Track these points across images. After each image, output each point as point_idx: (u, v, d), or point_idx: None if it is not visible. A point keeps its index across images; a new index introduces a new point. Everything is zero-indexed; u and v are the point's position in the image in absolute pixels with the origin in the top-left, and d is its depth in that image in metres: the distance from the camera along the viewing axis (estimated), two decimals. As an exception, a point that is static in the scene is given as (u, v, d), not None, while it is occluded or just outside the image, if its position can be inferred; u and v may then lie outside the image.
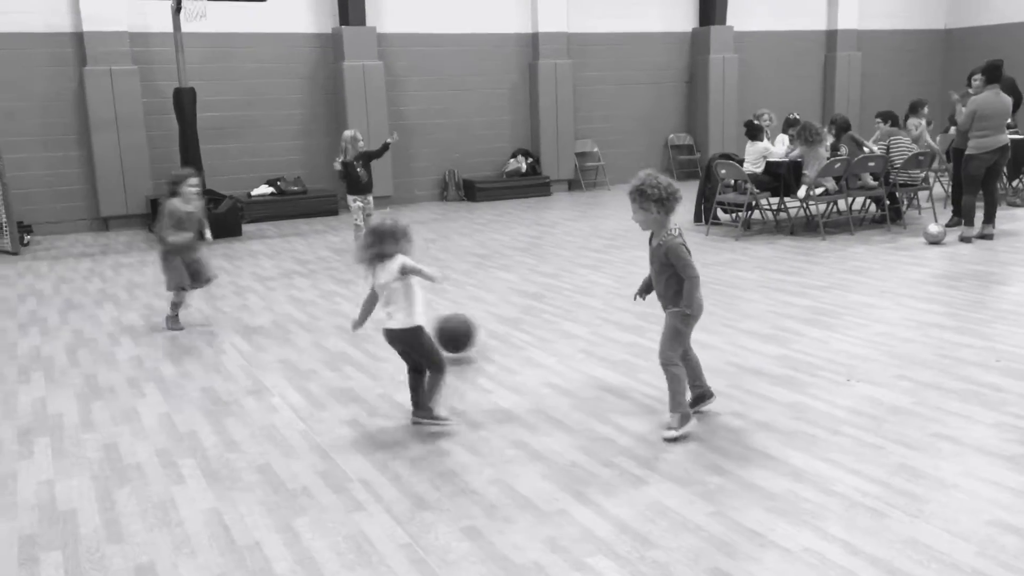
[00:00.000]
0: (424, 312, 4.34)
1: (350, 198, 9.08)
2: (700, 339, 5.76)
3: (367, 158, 9.11)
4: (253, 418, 4.69)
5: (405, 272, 4.18)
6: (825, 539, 3.20)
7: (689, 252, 4.14)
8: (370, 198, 9.14)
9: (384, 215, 4.39)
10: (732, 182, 10.04)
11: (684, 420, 4.21)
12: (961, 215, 9.22)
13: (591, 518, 3.43)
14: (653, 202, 4.09)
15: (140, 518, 3.58)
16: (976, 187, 8.94)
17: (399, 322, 4.26)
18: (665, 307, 4.25)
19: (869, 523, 3.30)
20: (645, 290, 4.44)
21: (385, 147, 9.31)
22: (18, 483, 3.97)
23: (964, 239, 8.89)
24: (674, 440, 4.13)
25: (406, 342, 4.35)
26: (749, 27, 16.05)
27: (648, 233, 4.28)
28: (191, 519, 3.55)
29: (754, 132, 10.14)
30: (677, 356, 4.22)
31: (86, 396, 5.15)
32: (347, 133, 9.15)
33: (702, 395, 4.47)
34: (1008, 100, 8.85)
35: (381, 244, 4.18)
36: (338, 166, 9.03)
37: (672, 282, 4.16)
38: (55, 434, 4.55)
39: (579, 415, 4.56)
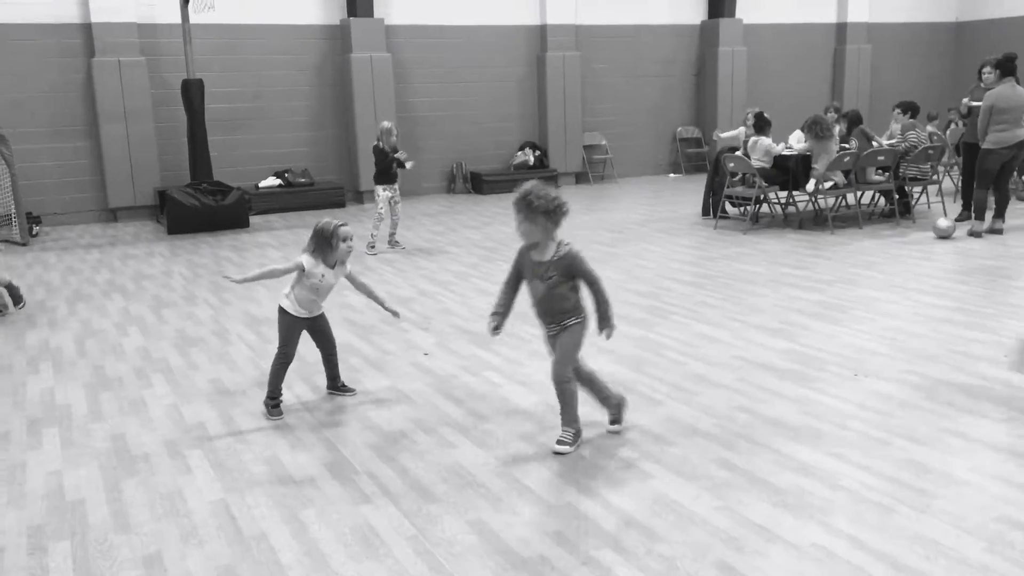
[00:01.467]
0: (291, 303, 4.60)
1: (378, 187, 9.07)
2: (707, 333, 5.76)
3: (396, 153, 9.06)
4: (260, 409, 4.69)
5: (298, 267, 4.57)
6: (832, 534, 3.19)
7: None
8: (397, 186, 9.13)
9: (329, 217, 4.58)
10: (740, 175, 10.01)
11: (577, 436, 4.06)
12: (971, 209, 9.18)
13: (597, 511, 3.43)
14: (541, 214, 3.80)
15: (148, 508, 3.59)
16: (989, 182, 8.88)
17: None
18: (557, 322, 3.97)
19: (876, 518, 3.29)
20: (505, 314, 4.07)
21: (400, 164, 9.10)
22: (27, 473, 3.98)
23: (974, 234, 8.84)
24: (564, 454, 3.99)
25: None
26: (758, 19, 15.98)
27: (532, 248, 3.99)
28: (198, 510, 3.56)
29: (761, 125, 10.10)
30: (570, 371, 4.03)
31: (94, 387, 5.17)
32: (385, 124, 9.09)
33: (619, 404, 4.25)
34: (1021, 93, 8.77)
35: (310, 239, 4.59)
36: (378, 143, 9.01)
37: (570, 294, 3.93)
38: (63, 424, 4.57)
39: (586, 408, 4.54)
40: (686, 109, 15.93)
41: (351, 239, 4.60)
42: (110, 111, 11.54)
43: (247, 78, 12.54)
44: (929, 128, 11.92)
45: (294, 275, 4.60)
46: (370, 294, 4.80)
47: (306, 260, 4.53)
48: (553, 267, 3.88)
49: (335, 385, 4.91)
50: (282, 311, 4.63)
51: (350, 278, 4.70)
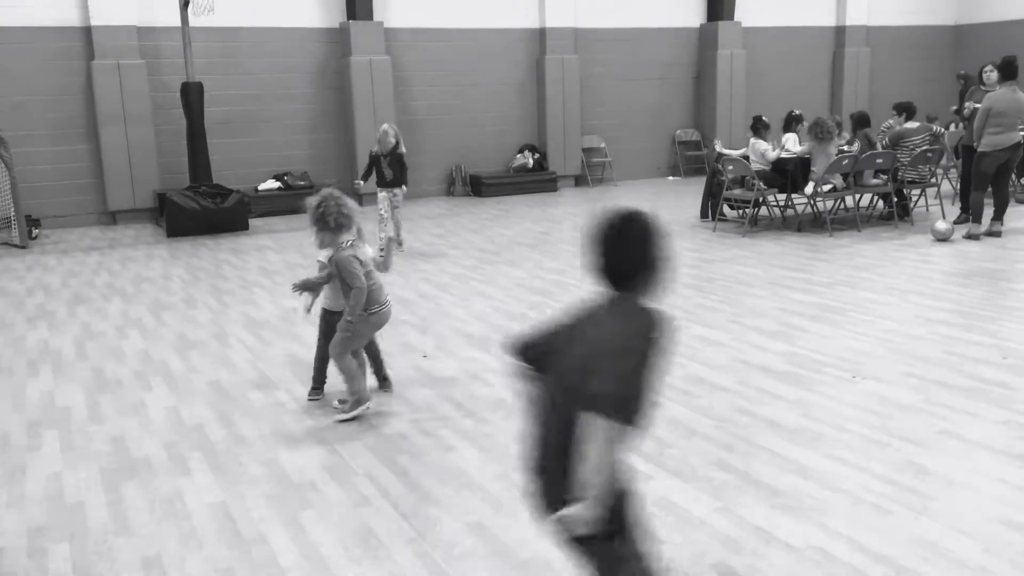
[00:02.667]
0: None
1: (378, 189, 9.13)
2: (706, 335, 5.77)
3: (397, 159, 9.00)
4: (260, 412, 4.70)
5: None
6: (830, 536, 3.20)
7: (362, 263, 4.40)
8: (396, 191, 9.09)
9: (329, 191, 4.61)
10: (740, 178, 10.01)
11: (356, 405, 4.52)
12: (969, 212, 9.18)
13: (596, 513, 3.43)
14: (314, 221, 4.36)
15: (147, 511, 3.59)
16: (986, 184, 8.89)
17: None
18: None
19: (874, 520, 3.30)
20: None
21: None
22: (27, 475, 3.99)
23: (972, 236, 8.85)
24: (345, 420, 4.49)
25: None
26: (757, 23, 16.01)
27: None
28: (198, 512, 3.57)
29: (758, 128, 10.11)
30: (347, 354, 4.50)
31: (94, 389, 5.18)
32: (382, 127, 9.10)
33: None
34: (1020, 97, 8.77)
35: None
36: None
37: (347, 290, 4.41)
38: (63, 427, 4.58)
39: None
40: (685, 112, 15.96)
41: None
42: (110, 114, 11.55)
43: (246, 81, 12.55)
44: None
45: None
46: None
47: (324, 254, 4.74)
48: (328, 265, 4.48)
49: (379, 378, 5.04)
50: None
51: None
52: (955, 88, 14.52)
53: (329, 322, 4.66)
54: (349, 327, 4.39)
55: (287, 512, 3.55)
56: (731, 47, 15.45)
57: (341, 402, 4.63)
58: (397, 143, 8.98)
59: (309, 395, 4.88)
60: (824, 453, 3.92)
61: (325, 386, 4.88)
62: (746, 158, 9.90)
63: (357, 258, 4.41)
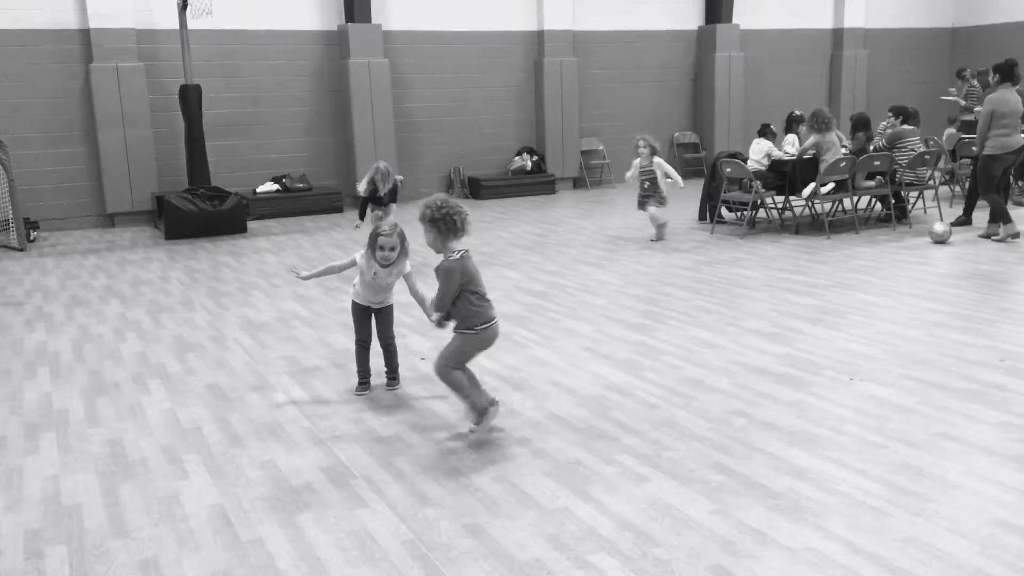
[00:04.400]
0: (353, 290, 5.01)
1: (371, 207, 8.38)
2: (704, 337, 5.78)
3: (394, 189, 8.21)
4: (257, 414, 4.70)
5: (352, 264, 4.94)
6: (827, 538, 3.20)
7: (464, 276, 4.14)
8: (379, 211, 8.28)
9: (395, 221, 4.71)
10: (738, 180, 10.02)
11: (482, 415, 4.26)
12: (969, 214, 9.18)
13: (594, 516, 3.44)
14: (428, 222, 4.15)
15: (144, 513, 3.59)
16: (995, 186, 8.89)
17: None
18: (455, 327, 4.27)
19: (871, 522, 3.30)
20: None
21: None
22: (24, 478, 3.99)
23: (1013, 236, 8.71)
24: (481, 436, 4.26)
25: None
26: (755, 25, 16.04)
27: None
28: (195, 514, 3.57)
29: (766, 132, 10.12)
30: (453, 370, 4.23)
31: (91, 392, 5.18)
32: (379, 166, 8.19)
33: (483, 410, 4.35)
34: (1019, 99, 8.80)
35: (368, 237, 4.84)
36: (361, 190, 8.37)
37: (459, 303, 4.20)
38: (60, 429, 4.58)
39: (582, 413, 4.57)
40: (683, 115, 15.97)
41: (388, 248, 4.71)
42: (108, 116, 11.55)
43: (245, 83, 12.56)
44: (950, 130, 12.06)
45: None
46: (420, 302, 4.85)
47: (359, 258, 4.82)
48: (436, 273, 4.25)
49: (388, 378, 5.11)
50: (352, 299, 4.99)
51: (407, 278, 4.85)
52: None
53: (358, 315, 4.92)
54: (471, 343, 4.23)
55: (284, 515, 3.55)
56: (729, 50, 15.47)
57: (473, 426, 4.31)
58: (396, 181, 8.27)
59: (356, 390, 4.99)
60: (821, 455, 3.92)
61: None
62: (744, 159, 9.91)
63: (464, 270, 4.16)
